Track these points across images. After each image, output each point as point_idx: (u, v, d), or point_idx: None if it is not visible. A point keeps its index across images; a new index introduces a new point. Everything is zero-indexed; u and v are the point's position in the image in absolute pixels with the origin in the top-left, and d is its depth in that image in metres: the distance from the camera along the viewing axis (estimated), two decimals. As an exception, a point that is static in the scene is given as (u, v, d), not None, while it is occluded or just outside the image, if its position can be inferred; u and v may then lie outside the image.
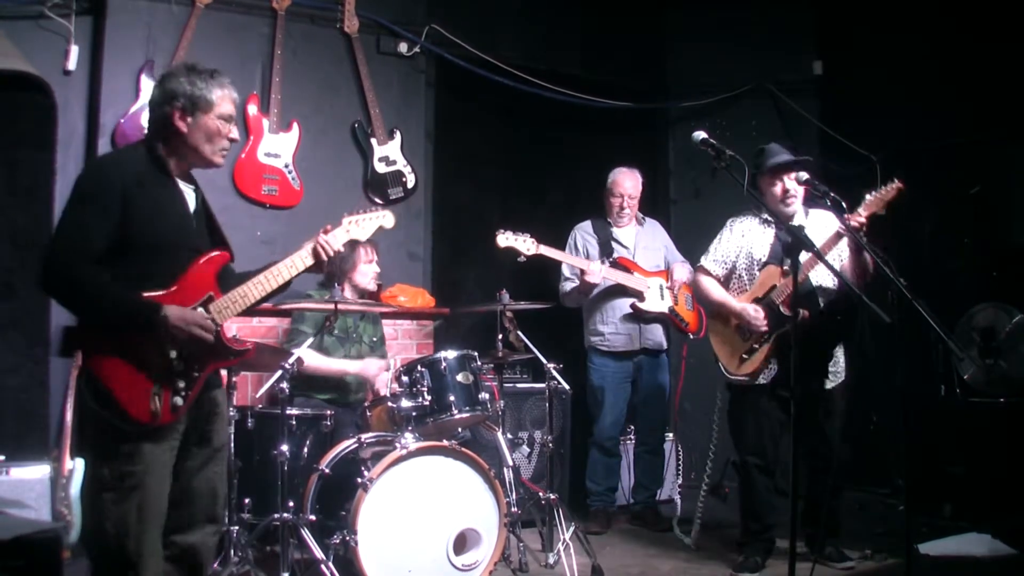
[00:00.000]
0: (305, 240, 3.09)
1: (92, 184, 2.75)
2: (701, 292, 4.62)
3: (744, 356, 4.35)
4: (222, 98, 2.86)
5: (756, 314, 4.26)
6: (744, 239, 4.47)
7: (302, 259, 3.03)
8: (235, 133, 2.94)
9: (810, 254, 3.74)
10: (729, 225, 4.57)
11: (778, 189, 4.34)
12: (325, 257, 3.05)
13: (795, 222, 4.38)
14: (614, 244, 5.41)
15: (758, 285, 4.36)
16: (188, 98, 2.81)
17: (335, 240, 3.09)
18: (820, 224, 4.36)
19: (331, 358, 4.67)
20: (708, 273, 4.56)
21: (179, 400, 2.74)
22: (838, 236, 4.13)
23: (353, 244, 4.73)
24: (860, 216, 4.04)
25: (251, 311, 3.02)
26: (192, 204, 2.91)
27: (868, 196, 4.11)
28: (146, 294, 2.69)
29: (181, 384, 2.75)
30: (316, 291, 4.75)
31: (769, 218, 4.39)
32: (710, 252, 4.59)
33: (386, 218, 3.28)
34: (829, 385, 4.33)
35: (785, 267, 4.24)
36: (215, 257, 2.88)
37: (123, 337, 2.65)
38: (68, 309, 2.74)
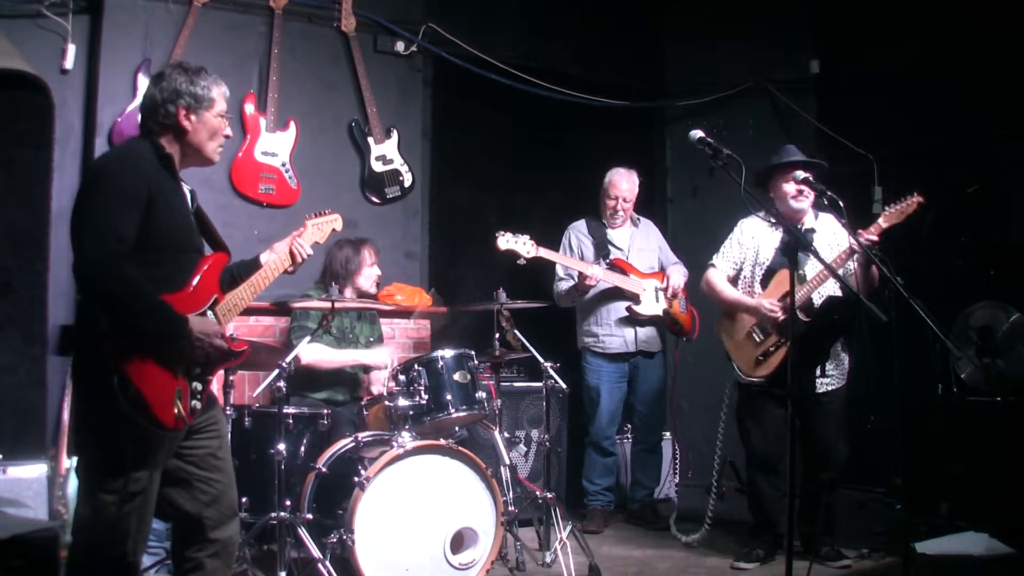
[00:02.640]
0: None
1: (121, 178, 2.67)
2: (712, 290, 4.62)
3: (760, 358, 4.38)
4: (220, 95, 2.89)
5: (772, 307, 4.29)
6: (754, 240, 4.54)
7: (282, 261, 3.22)
8: (230, 130, 2.96)
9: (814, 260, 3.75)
10: (740, 226, 4.63)
11: (791, 187, 4.37)
12: (300, 260, 3.27)
13: (805, 224, 4.43)
14: (608, 246, 5.40)
15: (772, 287, 4.41)
16: (192, 96, 2.81)
17: (307, 242, 3.31)
18: (829, 227, 4.41)
19: (338, 349, 4.67)
20: (717, 268, 4.61)
21: (196, 403, 2.76)
22: (851, 251, 4.17)
23: (357, 248, 4.79)
24: (874, 232, 4.13)
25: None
26: (190, 204, 2.93)
27: (887, 209, 4.19)
28: (163, 296, 2.67)
29: (198, 387, 2.77)
30: (314, 290, 4.75)
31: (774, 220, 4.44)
32: (722, 251, 4.65)
33: (337, 221, 3.55)
34: (831, 387, 4.36)
35: (800, 272, 4.28)
36: (219, 259, 2.92)
37: (152, 341, 2.62)
38: (106, 311, 2.61)
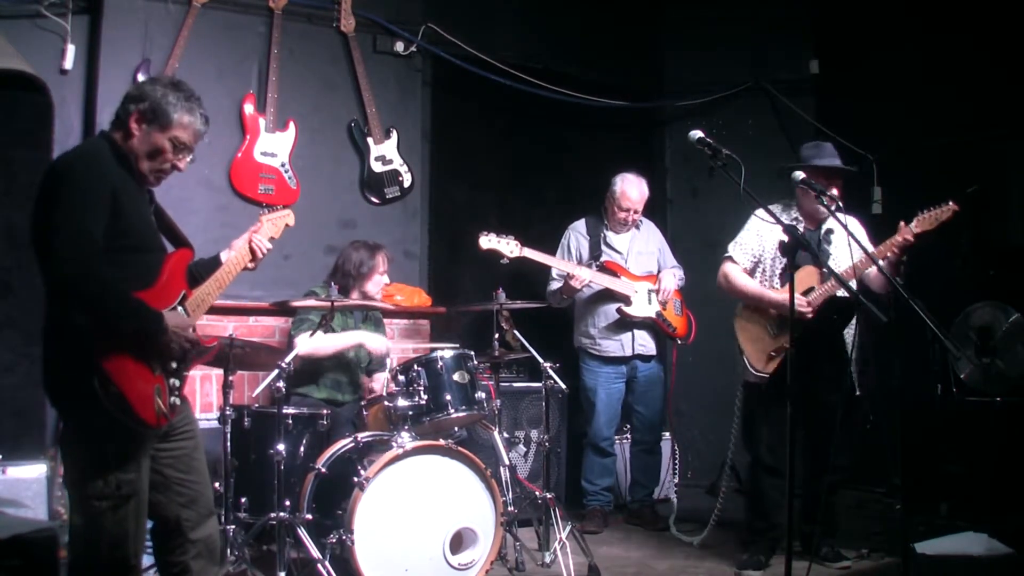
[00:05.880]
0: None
1: (86, 178, 2.65)
2: (730, 284, 4.48)
3: (772, 354, 4.33)
4: (185, 124, 2.81)
5: (799, 304, 4.12)
6: (772, 232, 4.35)
7: (243, 258, 3.21)
8: (184, 164, 2.87)
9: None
10: (756, 216, 4.47)
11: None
12: (260, 255, 3.25)
13: (827, 225, 4.42)
14: (607, 248, 5.38)
15: (796, 282, 4.33)
16: (153, 105, 2.77)
17: (264, 237, 3.29)
18: (852, 228, 4.37)
19: (336, 333, 4.60)
20: (735, 262, 4.49)
21: (175, 400, 2.77)
22: (888, 252, 4.15)
23: (373, 252, 4.76)
24: (910, 233, 4.09)
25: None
26: (148, 203, 2.93)
27: (921, 214, 4.13)
28: (135, 294, 2.68)
29: (176, 383, 2.78)
30: (321, 288, 4.72)
31: (797, 216, 4.42)
32: (738, 242, 4.53)
33: (290, 217, 3.53)
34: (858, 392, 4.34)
35: (824, 269, 4.22)
36: (183, 255, 2.94)
37: (128, 339, 2.63)
38: (83, 312, 2.60)
